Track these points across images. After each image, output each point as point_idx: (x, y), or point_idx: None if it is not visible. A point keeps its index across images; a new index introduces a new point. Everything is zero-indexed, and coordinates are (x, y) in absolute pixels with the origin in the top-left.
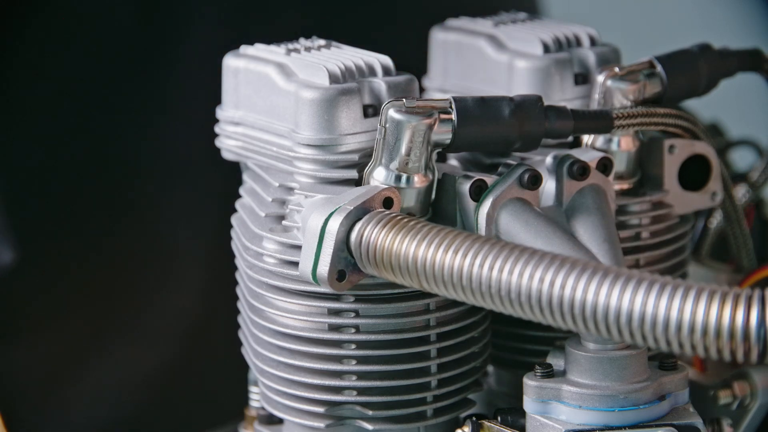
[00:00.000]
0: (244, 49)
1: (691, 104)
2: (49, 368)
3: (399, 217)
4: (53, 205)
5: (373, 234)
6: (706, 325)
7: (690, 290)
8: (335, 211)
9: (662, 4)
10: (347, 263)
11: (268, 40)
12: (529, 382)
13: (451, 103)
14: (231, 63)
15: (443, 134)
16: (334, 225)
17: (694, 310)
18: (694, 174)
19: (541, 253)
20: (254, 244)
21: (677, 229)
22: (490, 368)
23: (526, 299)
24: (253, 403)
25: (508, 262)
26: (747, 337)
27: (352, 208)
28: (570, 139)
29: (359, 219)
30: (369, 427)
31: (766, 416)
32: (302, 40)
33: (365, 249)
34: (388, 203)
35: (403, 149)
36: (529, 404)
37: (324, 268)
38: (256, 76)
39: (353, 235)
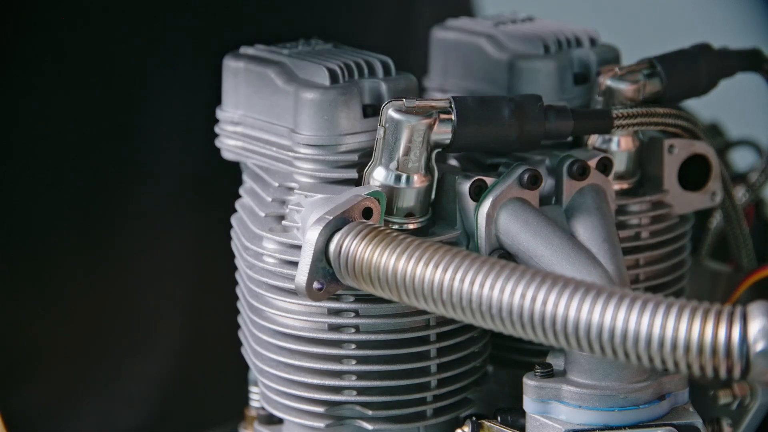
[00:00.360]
0: (244, 49)
1: (691, 104)
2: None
3: (378, 230)
4: (53, 204)
5: (351, 246)
6: (688, 342)
7: (672, 307)
8: (316, 221)
9: (662, 4)
10: (325, 273)
11: (268, 40)
12: (529, 382)
13: (450, 103)
14: (231, 63)
15: (443, 134)
16: (313, 235)
17: (676, 327)
18: (694, 174)
19: (522, 269)
20: (254, 244)
21: (677, 229)
22: (490, 368)
23: (506, 314)
24: (253, 403)
25: (489, 278)
26: (729, 354)
27: (331, 218)
28: (570, 139)
29: (338, 229)
30: (369, 426)
31: (766, 416)
32: (302, 40)
33: (344, 260)
34: (367, 214)
35: (403, 149)
36: (529, 404)
37: (302, 278)
38: (256, 76)
39: (332, 246)
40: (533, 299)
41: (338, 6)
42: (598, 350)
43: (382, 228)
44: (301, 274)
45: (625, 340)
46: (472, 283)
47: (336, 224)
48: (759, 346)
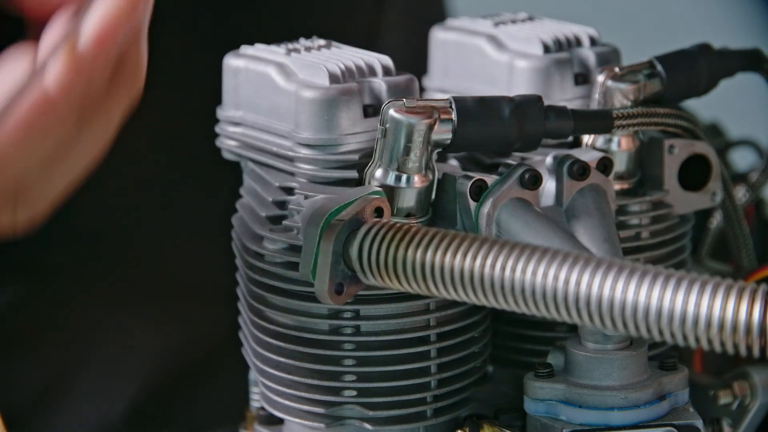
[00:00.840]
0: (244, 49)
1: (691, 104)
2: (49, 361)
3: (398, 225)
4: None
5: (374, 245)
6: (710, 317)
7: (695, 282)
8: (327, 226)
9: (662, 4)
10: (345, 276)
11: (268, 40)
12: (530, 382)
13: (451, 103)
14: (231, 63)
15: (443, 134)
16: (329, 240)
17: (698, 302)
18: (694, 174)
19: (544, 249)
20: (254, 245)
21: (677, 229)
22: (490, 368)
23: (540, 296)
24: (254, 404)
25: (520, 261)
26: (749, 332)
27: (344, 221)
28: (570, 139)
29: (354, 231)
30: (369, 427)
31: (766, 416)
32: (302, 40)
33: (366, 260)
34: (379, 213)
35: (403, 149)
36: (529, 404)
37: (323, 285)
38: (256, 76)
39: (352, 249)
40: (564, 279)
41: (338, 6)
42: (621, 326)
43: (401, 223)
44: (321, 282)
45: (647, 315)
46: (512, 269)
47: (351, 226)
48: None
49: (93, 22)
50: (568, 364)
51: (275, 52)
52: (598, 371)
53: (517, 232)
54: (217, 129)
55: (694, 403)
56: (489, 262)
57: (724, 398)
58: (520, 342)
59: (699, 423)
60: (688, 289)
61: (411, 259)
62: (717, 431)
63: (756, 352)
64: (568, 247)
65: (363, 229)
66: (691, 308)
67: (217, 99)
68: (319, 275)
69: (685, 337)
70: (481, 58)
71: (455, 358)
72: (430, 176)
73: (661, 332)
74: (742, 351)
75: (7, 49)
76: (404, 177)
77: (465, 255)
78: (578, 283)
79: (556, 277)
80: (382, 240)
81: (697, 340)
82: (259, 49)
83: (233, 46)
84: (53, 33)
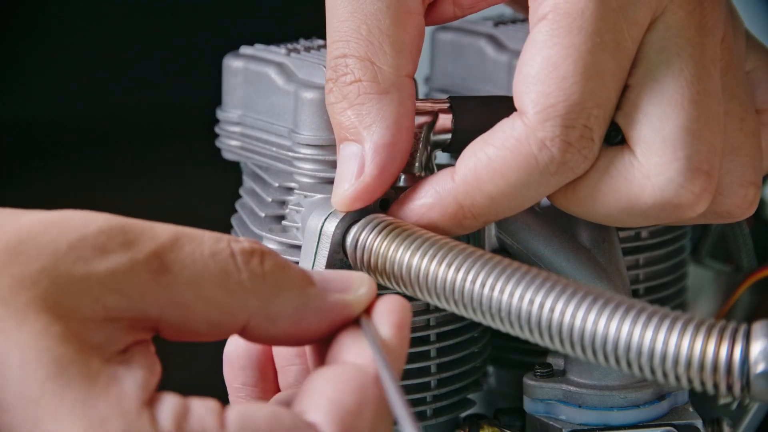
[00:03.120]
0: (244, 49)
1: None
2: None
3: (394, 224)
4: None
5: (368, 239)
6: (690, 357)
7: (677, 321)
8: (332, 212)
9: None
10: (343, 265)
11: (268, 40)
12: (529, 382)
13: (450, 103)
14: (231, 63)
15: (443, 134)
16: (330, 227)
17: (679, 342)
18: None
19: (534, 273)
20: None
21: (677, 229)
22: (490, 368)
23: (515, 318)
24: None
25: (499, 281)
26: (730, 372)
27: (347, 211)
28: None
29: (355, 221)
30: None
31: (766, 416)
32: (302, 40)
33: (360, 254)
34: (384, 205)
35: None
36: (529, 404)
37: (320, 270)
38: (256, 76)
39: (349, 239)
40: (541, 305)
41: None
42: (602, 359)
43: (399, 222)
44: (319, 267)
45: (629, 351)
46: (491, 287)
47: (353, 216)
48: (759, 368)
49: None
50: (568, 364)
51: (275, 52)
52: (598, 371)
53: (516, 233)
54: (217, 129)
55: (694, 403)
56: (470, 276)
57: (724, 398)
58: (520, 342)
59: (699, 423)
60: (670, 328)
61: (399, 260)
62: (717, 431)
63: (736, 392)
64: (567, 248)
65: (362, 222)
66: (671, 348)
67: (217, 99)
68: (317, 261)
69: (665, 375)
70: (481, 58)
71: (455, 358)
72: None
73: (641, 368)
74: (722, 391)
75: None
76: (404, 177)
77: (449, 266)
78: (552, 310)
79: (531, 301)
80: (377, 236)
81: (678, 379)
82: (259, 49)
83: (233, 46)
84: None
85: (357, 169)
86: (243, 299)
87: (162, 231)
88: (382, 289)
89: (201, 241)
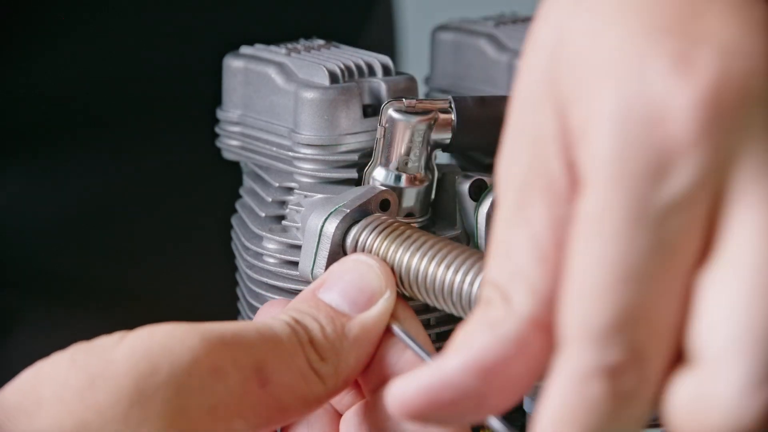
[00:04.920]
0: (244, 49)
1: None
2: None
3: (394, 225)
4: (52, 205)
5: (367, 240)
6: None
7: None
8: (332, 212)
9: None
10: None
11: (268, 40)
12: None
13: (451, 103)
14: (231, 63)
15: (443, 134)
16: (330, 227)
17: None
18: None
19: None
20: (254, 245)
21: None
22: None
23: None
24: None
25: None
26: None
27: (348, 210)
28: None
29: (356, 222)
30: None
31: None
32: (302, 40)
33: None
34: (385, 205)
35: (403, 149)
36: (529, 404)
37: (320, 270)
38: (256, 76)
39: (349, 239)
40: None
41: (338, 6)
42: None
43: (398, 223)
44: (319, 267)
45: None
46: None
47: (354, 216)
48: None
49: None
50: None
51: (275, 52)
52: None
53: None
54: (217, 129)
55: None
56: (468, 278)
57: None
58: None
59: None
60: None
61: (398, 260)
62: None
63: None
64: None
65: (362, 222)
66: None
67: (217, 99)
68: (317, 261)
69: None
70: (481, 58)
71: None
72: (430, 176)
73: None
74: None
75: None
76: (404, 177)
77: (448, 267)
78: None
79: None
80: (377, 236)
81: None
82: (259, 49)
83: (233, 46)
84: None
85: None
86: (321, 386)
87: (249, 334)
88: None
89: (280, 338)
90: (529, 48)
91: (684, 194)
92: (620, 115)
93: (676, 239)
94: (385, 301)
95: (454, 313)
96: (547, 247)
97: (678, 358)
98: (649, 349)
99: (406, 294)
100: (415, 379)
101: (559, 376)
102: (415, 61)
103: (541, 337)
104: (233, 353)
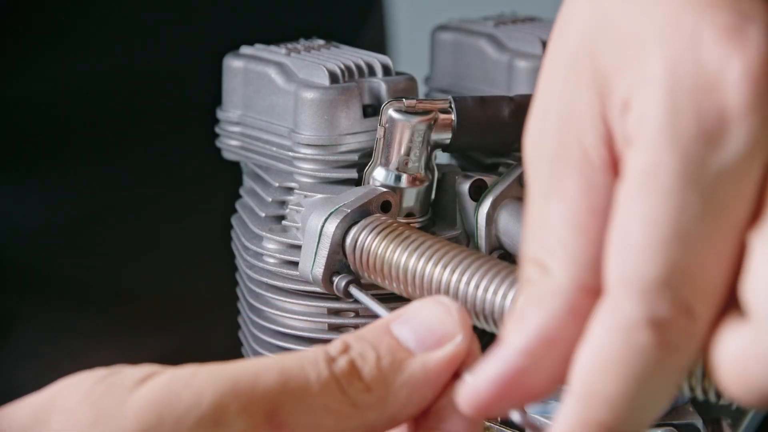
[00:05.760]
0: (244, 49)
1: None
2: (43, 363)
3: (394, 226)
4: (53, 204)
5: (366, 241)
6: None
7: None
8: (333, 213)
9: None
10: (342, 266)
11: (268, 40)
12: None
13: (451, 103)
14: (231, 63)
15: (443, 134)
16: (331, 227)
17: None
18: None
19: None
20: (254, 244)
21: None
22: None
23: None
24: None
25: (495, 284)
26: None
27: (349, 210)
28: None
29: (356, 222)
30: None
31: (766, 416)
32: (302, 40)
33: (359, 254)
34: (386, 206)
35: (403, 149)
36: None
37: (319, 269)
38: (256, 76)
39: (348, 240)
40: None
41: (338, 6)
42: None
43: (398, 224)
44: (318, 266)
45: None
46: (484, 289)
47: (354, 217)
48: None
49: None
50: None
51: (275, 52)
52: None
53: (516, 232)
54: (217, 129)
55: (694, 403)
56: (465, 278)
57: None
58: None
59: (699, 423)
60: None
61: (397, 261)
62: (717, 431)
63: None
64: None
65: (361, 223)
66: None
67: (217, 99)
68: (317, 260)
69: None
70: (481, 58)
71: None
72: (430, 176)
73: None
74: None
75: None
76: (404, 177)
77: (445, 267)
78: None
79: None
80: (376, 237)
81: None
82: (259, 49)
83: (233, 46)
84: None
85: None
86: (359, 419)
87: (267, 377)
88: (381, 290)
89: (305, 377)
90: (560, 29)
91: (737, 160)
92: (673, 80)
93: (728, 203)
94: (453, 345)
95: None
96: (585, 216)
97: (727, 312)
98: (696, 306)
99: (405, 295)
100: (483, 372)
101: (604, 324)
102: (415, 61)
103: (590, 299)
104: (242, 400)
